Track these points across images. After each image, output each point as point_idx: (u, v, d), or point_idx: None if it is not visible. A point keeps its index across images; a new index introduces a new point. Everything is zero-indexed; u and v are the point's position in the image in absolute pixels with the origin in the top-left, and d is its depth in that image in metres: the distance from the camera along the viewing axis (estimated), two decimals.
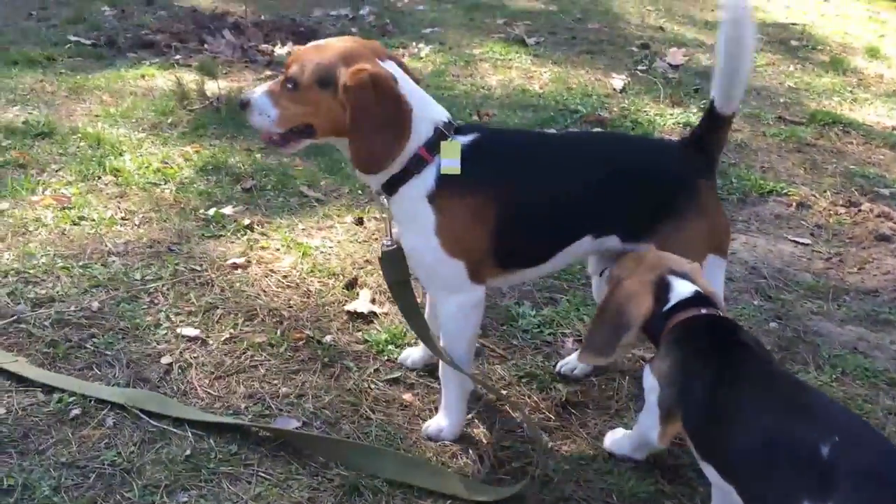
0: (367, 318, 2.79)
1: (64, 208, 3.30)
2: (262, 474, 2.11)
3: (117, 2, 6.41)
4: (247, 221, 3.30)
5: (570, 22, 6.44)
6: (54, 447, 2.14)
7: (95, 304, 2.72)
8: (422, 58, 5.47)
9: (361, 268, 3.08)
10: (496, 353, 2.68)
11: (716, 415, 1.82)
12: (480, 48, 5.71)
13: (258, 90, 2.11)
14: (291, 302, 2.85)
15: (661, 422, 1.97)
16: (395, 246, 2.22)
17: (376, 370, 2.54)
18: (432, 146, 2.05)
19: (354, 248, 3.21)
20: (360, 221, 3.40)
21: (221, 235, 3.23)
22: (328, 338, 2.66)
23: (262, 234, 3.26)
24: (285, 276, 2.99)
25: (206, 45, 5.50)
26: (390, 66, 2.05)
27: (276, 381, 2.46)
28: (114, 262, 2.98)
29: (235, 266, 3.01)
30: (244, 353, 2.57)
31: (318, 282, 2.98)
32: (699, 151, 2.20)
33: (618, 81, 5.20)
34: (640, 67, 5.49)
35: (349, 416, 2.35)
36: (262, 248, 3.16)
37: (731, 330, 1.98)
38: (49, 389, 2.32)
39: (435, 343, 2.24)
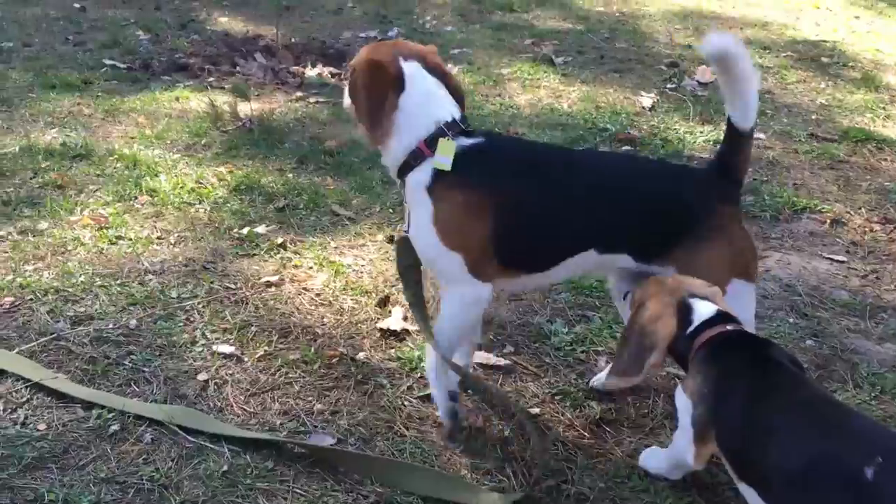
0: (400, 335, 2.80)
1: (102, 228, 3.36)
2: (298, 490, 2.12)
3: (151, 27, 6.53)
4: (280, 240, 3.34)
5: (598, 41, 6.45)
6: (94, 463, 2.17)
7: (133, 322, 2.76)
8: None
9: (393, 285, 3.09)
10: (529, 370, 2.68)
11: (752, 434, 1.81)
12: (509, 68, 5.74)
13: None
14: (325, 319, 2.87)
15: (695, 442, 1.96)
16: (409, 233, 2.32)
17: (409, 387, 2.55)
18: (431, 142, 2.18)
19: (386, 265, 3.23)
20: (391, 239, 3.42)
21: (255, 254, 3.26)
22: (361, 355, 2.68)
23: (295, 252, 3.29)
24: (318, 294, 3.02)
25: (238, 68, 5.58)
26: (407, 65, 2.23)
27: (310, 398, 2.48)
28: (150, 280, 3.02)
29: (269, 284, 3.05)
30: (279, 370, 2.59)
31: (351, 299, 3.00)
32: (722, 175, 2.22)
33: (647, 100, 5.19)
34: (668, 86, 5.49)
35: (383, 433, 2.36)
36: (296, 266, 3.19)
37: (762, 346, 1.98)
38: (88, 405, 2.36)
39: (430, 330, 2.31)
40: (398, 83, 2.20)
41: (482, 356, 2.70)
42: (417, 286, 2.41)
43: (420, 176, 2.20)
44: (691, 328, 2.01)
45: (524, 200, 2.18)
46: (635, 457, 2.29)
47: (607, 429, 2.43)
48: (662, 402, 2.54)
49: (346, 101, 2.37)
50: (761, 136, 4.69)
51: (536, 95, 5.27)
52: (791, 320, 3.00)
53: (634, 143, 4.50)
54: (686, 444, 1.99)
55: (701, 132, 4.69)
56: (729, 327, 1.99)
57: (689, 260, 2.17)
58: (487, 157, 2.20)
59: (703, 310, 2.02)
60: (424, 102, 2.22)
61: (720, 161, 2.24)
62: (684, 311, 2.03)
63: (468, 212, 2.16)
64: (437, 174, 2.17)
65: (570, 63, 5.91)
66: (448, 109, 2.24)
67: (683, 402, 2.00)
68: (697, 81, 5.55)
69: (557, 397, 2.55)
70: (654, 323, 2.03)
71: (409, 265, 2.38)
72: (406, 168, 2.23)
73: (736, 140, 2.20)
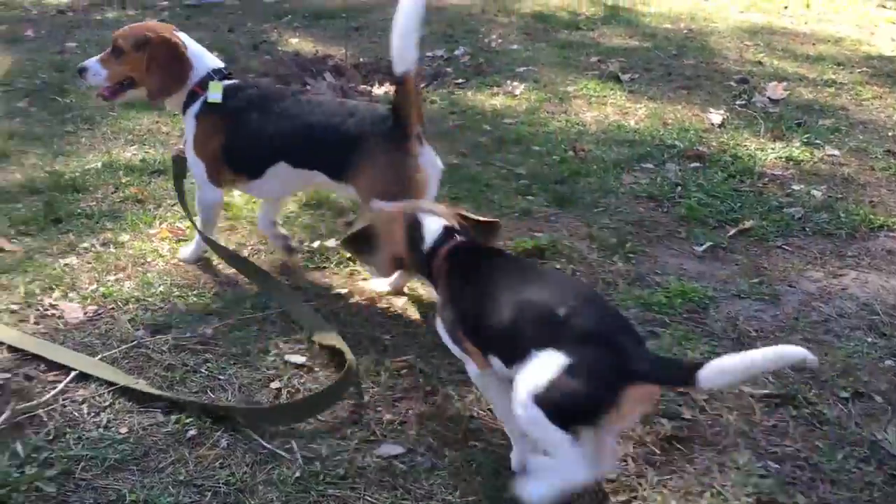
0: None
1: (179, 240, 3.48)
2: (369, 498, 2.15)
3: (225, 48, 6.72)
4: (349, 254, 3.40)
5: (665, 58, 6.40)
6: (173, 466, 2.24)
7: (209, 331, 2.85)
8: (516, 95, 5.54)
9: None
10: None
11: (482, 310, 2.10)
12: (574, 85, 5.73)
13: (91, 60, 3.16)
14: (393, 331, 2.91)
15: (464, 349, 2.19)
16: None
17: (477, 399, 2.56)
18: (203, 84, 3.05)
19: None
20: None
21: (325, 267, 3.33)
22: (428, 366, 2.70)
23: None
24: (386, 307, 3.06)
25: (308, 87, 5.72)
26: (183, 36, 3.11)
27: (380, 408, 2.51)
28: (226, 291, 3.11)
29: (339, 296, 3.10)
30: None
31: (418, 312, 3.03)
32: (393, 115, 2.78)
33: (716, 116, 5.13)
34: (738, 102, 5.41)
35: (451, 444, 2.37)
36: (364, 279, 3.24)
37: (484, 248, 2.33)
38: (167, 410, 2.44)
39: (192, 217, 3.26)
40: (184, 47, 3.06)
41: None
42: (182, 188, 3.28)
43: (194, 108, 3.05)
44: (427, 245, 2.26)
45: (242, 122, 2.97)
46: (707, 475, 2.26)
47: (678, 446, 2.39)
48: (735, 419, 2.49)
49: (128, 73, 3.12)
50: (836, 152, 4.59)
51: (603, 112, 5.26)
52: (869, 340, 2.92)
53: (703, 159, 4.45)
54: (462, 354, 2.23)
55: (772, 149, 4.61)
56: (458, 238, 2.26)
57: (353, 180, 2.86)
58: (233, 93, 3.01)
59: (432, 225, 2.28)
60: (199, 57, 3.09)
61: (392, 104, 2.79)
62: (415, 225, 2.28)
63: (210, 130, 3.02)
64: (203, 105, 3.02)
65: (636, 80, 5.88)
66: (214, 61, 3.13)
67: (440, 327, 2.25)
68: (768, 98, 5.47)
69: None
70: (388, 223, 2.33)
71: (178, 175, 3.26)
72: (186, 104, 3.07)
73: (396, 83, 2.75)
